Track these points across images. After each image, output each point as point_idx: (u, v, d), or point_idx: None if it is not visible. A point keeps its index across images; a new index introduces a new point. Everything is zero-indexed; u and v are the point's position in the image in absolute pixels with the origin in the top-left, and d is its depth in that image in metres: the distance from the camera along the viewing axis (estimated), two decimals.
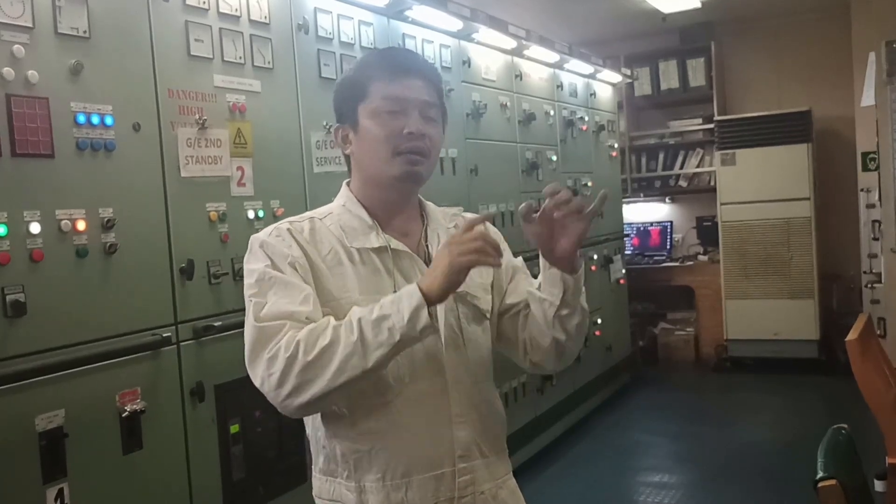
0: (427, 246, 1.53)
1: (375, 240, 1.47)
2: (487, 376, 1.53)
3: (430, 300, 1.31)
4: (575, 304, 1.46)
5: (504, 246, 1.64)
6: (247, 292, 1.41)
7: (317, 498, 1.50)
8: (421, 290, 1.31)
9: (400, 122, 1.44)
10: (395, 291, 1.41)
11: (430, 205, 1.60)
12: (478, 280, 1.55)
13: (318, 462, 1.49)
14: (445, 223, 1.58)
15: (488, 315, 1.56)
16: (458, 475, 1.43)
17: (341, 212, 1.52)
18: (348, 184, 1.57)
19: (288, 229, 1.45)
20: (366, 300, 1.39)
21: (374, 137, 1.46)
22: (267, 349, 1.32)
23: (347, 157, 1.56)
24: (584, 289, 1.48)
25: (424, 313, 1.30)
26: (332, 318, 1.35)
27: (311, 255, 1.43)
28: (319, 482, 1.49)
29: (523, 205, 1.40)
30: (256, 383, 1.36)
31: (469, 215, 1.65)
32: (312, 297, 1.38)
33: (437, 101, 1.51)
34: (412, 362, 1.42)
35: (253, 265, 1.42)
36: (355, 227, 1.49)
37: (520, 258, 1.66)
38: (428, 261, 1.50)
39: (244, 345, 1.37)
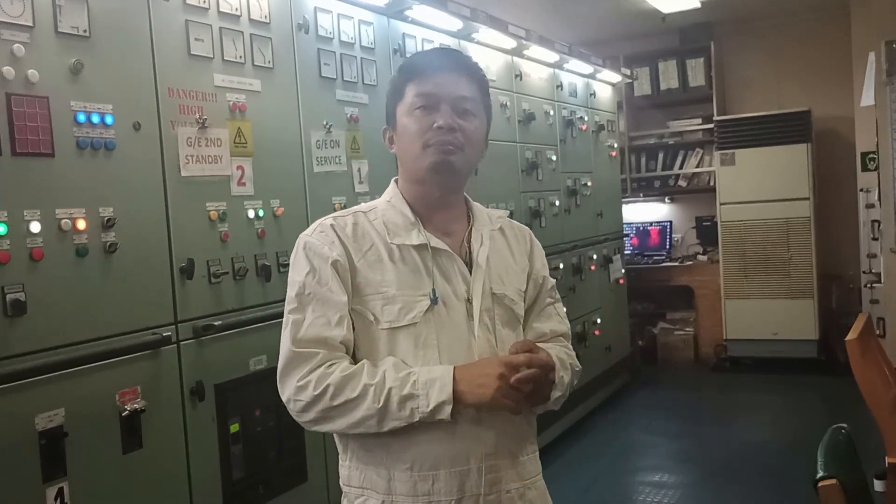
0: (469, 246, 1.55)
1: (416, 237, 1.50)
2: None
3: (459, 401, 1.38)
4: (562, 386, 1.54)
5: (545, 261, 1.70)
6: (287, 304, 1.47)
7: (344, 486, 1.53)
8: (455, 387, 1.37)
9: (431, 118, 1.47)
10: (433, 290, 1.46)
11: (476, 205, 1.63)
12: (515, 285, 1.59)
13: (347, 449, 1.52)
14: (490, 224, 1.61)
15: (521, 320, 1.59)
16: (485, 472, 1.46)
17: (386, 207, 1.54)
18: (396, 181, 1.59)
19: (331, 225, 1.50)
20: (402, 296, 1.45)
21: (407, 134, 1.50)
22: (298, 376, 1.41)
23: (395, 157, 1.59)
24: (569, 374, 1.57)
25: (448, 409, 1.37)
26: (367, 366, 1.41)
27: (352, 252, 1.47)
28: (348, 469, 1.52)
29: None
30: (283, 397, 1.45)
31: (518, 224, 1.69)
32: (347, 318, 1.44)
33: (476, 94, 1.53)
34: (448, 360, 1.44)
35: (295, 274, 1.48)
36: (398, 223, 1.51)
37: (552, 281, 1.71)
38: (468, 261, 1.53)
39: (280, 353, 1.46)
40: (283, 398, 1.44)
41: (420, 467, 1.44)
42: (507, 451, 1.49)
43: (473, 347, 1.47)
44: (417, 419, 1.37)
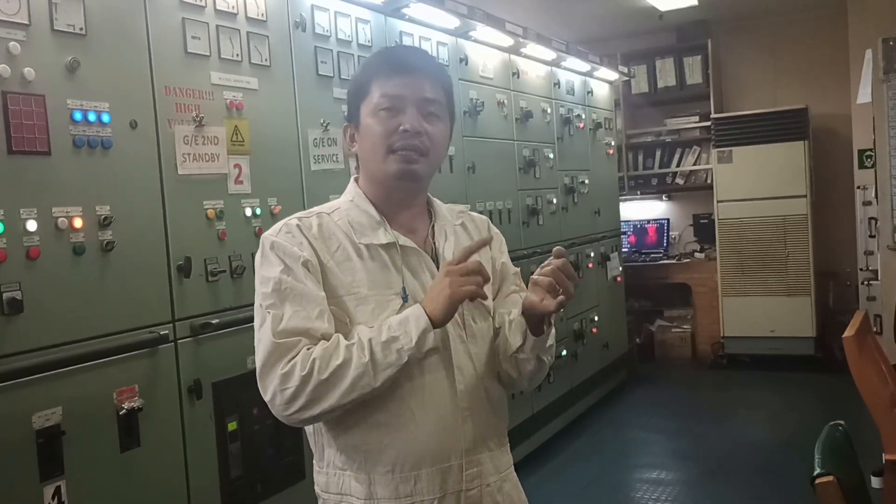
0: (434, 242, 1.55)
1: (384, 236, 1.49)
2: (492, 371, 1.54)
3: (435, 324, 1.37)
4: (532, 356, 1.51)
5: (504, 248, 1.68)
6: (262, 301, 1.42)
7: (322, 492, 1.50)
8: (426, 312, 1.36)
9: (397, 120, 1.45)
10: (403, 287, 1.46)
11: (437, 202, 1.61)
12: None
13: (323, 456, 1.50)
14: (453, 220, 1.60)
15: (491, 311, 1.58)
16: (465, 468, 1.46)
17: (349, 207, 1.52)
18: (356, 180, 1.58)
19: (297, 225, 1.46)
20: (375, 295, 1.44)
21: (371, 135, 1.48)
22: (281, 365, 1.36)
23: (356, 156, 1.57)
24: (550, 347, 1.54)
25: (431, 336, 1.37)
26: (341, 337, 1.39)
27: (321, 252, 1.45)
28: (326, 476, 1.49)
29: (559, 248, 1.44)
30: (266, 396, 1.39)
31: (476, 215, 1.68)
32: (327, 311, 1.41)
33: (442, 97, 1.51)
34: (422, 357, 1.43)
35: (267, 271, 1.43)
36: (363, 222, 1.50)
37: (517, 269, 1.69)
38: (435, 257, 1.53)
39: (257, 353, 1.40)
40: (267, 394, 1.38)
41: (402, 468, 1.42)
42: (484, 445, 1.50)
43: (448, 344, 1.46)
44: (406, 359, 1.35)
